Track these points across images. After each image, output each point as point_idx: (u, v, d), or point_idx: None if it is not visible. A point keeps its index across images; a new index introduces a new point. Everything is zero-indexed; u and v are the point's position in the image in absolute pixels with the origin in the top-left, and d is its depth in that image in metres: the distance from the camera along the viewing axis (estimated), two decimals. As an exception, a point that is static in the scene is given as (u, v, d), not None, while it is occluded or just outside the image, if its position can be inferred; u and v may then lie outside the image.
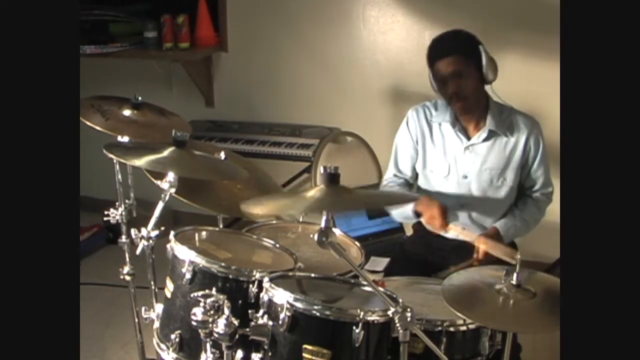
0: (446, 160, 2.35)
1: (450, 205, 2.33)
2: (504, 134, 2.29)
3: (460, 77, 2.21)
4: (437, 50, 2.26)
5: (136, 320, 2.41)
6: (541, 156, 2.32)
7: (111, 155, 1.97)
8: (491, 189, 2.32)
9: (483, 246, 2.21)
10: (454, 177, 2.34)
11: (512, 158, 2.30)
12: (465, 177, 2.33)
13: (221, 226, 2.37)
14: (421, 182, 2.44)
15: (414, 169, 2.45)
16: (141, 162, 1.90)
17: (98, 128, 2.22)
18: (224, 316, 1.54)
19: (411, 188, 2.48)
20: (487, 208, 2.35)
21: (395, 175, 2.49)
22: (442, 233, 2.33)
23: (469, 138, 2.32)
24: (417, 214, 2.34)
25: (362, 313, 1.57)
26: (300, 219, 2.42)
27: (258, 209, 1.76)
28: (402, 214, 2.41)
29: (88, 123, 2.21)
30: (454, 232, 2.28)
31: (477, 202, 2.34)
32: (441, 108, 2.37)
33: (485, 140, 2.30)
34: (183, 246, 1.86)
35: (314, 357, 1.57)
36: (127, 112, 2.38)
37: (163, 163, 1.91)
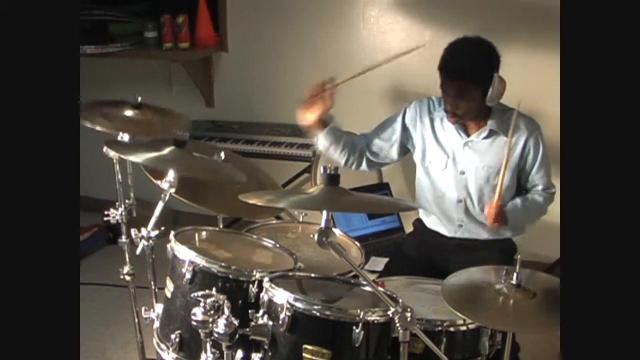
0: (444, 154, 2.35)
1: (447, 199, 2.36)
2: (505, 134, 2.29)
3: (461, 99, 2.19)
4: (448, 67, 2.18)
5: (136, 320, 2.41)
6: (541, 159, 2.31)
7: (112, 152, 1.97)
8: (487, 187, 2.32)
9: (491, 210, 2.21)
10: (451, 171, 2.35)
11: (510, 158, 2.30)
12: (463, 172, 2.33)
13: (221, 226, 2.37)
14: (420, 174, 2.45)
15: (381, 149, 2.45)
16: (141, 158, 1.89)
17: (99, 128, 2.22)
18: (224, 316, 1.54)
19: (352, 155, 2.45)
20: (483, 205, 2.34)
21: (362, 135, 2.49)
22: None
23: (468, 135, 2.32)
24: None
25: (362, 313, 1.57)
26: (301, 219, 2.42)
27: (254, 200, 1.75)
28: None
29: (88, 124, 2.21)
30: None
31: (473, 198, 2.35)
32: (443, 104, 2.36)
33: (485, 138, 2.30)
34: (183, 246, 1.86)
35: (314, 357, 1.57)
36: (127, 113, 2.38)
37: (163, 160, 1.90)
